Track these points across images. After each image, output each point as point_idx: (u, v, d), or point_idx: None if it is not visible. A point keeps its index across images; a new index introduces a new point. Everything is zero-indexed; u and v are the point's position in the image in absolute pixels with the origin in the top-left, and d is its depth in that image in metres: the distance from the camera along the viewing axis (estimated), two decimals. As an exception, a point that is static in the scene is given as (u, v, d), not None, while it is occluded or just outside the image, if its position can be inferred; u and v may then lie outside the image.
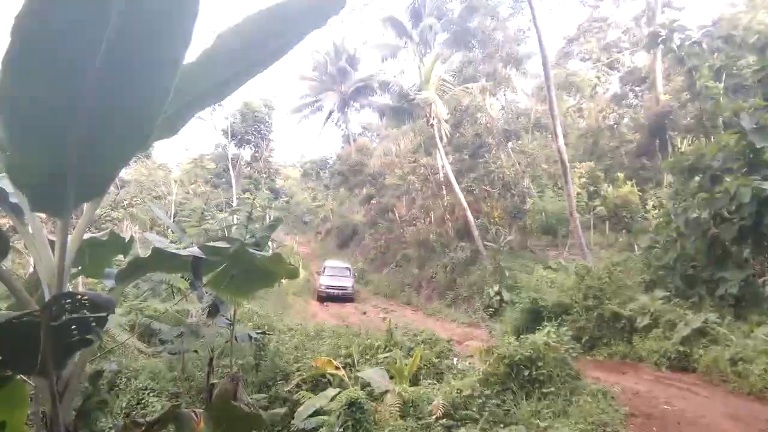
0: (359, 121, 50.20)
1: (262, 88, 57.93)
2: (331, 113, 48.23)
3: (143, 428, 3.00)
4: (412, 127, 30.14)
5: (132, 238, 4.02)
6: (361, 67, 47.38)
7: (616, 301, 11.60)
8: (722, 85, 16.41)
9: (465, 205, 23.33)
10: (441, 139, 25.33)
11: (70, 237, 2.61)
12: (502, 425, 6.72)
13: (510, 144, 26.55)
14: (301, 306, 21.24)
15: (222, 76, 2.74)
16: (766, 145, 11.02)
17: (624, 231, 21.39)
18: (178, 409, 4.17)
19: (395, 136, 30.84)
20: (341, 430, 6.71)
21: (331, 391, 7.81)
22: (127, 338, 9.09)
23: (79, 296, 2.27)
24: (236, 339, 8.12)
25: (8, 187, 2.77)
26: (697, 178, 12.86)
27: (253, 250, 3.36)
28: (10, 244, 2.87)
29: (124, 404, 8.11)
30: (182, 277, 9.24)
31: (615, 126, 28.07)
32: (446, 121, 25.97)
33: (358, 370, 8.70)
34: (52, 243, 2.69)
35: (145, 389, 8.37)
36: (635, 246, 17.40)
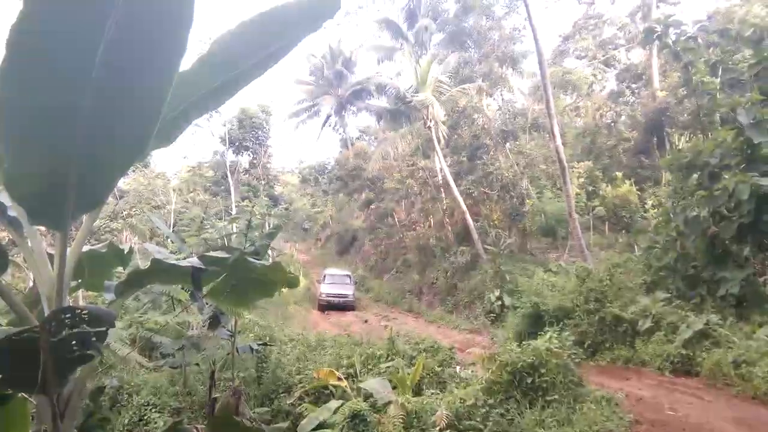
0: (357, 124, 50.43)
1: (258, 94, 58.08)
2: (328, 117, 48.28)
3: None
4: (409, 129, 30.20)
5: (131, 249, 4.01)
6: (358, 70, 47.53)
7: (618, 303, 11.54)
8: (719, 80, 16.36)
9: (464, 208, 23.30)
10: (439, 141, 25.33)
11: (69, 249, 2.60)
12: (506, 435, 6.70)
13: (508, 145, 26.52)
14: (302, 315, 21.19)
15: (218, 82, 2.75)
16: (764, 140, 10.92)
17: (624, 231, 21.35)
18: (180, 426, 4.14)
19: (393, 139, 30.88)
20: (344, 443, 6.69)
21: (333, 403, 7.78)
22: (128, 352, 9.04)
23: (79, 311, 2.25)
24: (237, 351, 8.07)
25: (7, 200, 2.78)
26: (695, 176, 12.79)
27: (252, 260, 3.35)
28: (10, 258, 2.86)
29: (126, 421, 8.08)
30: (182, 288, 9.21)
31: (612, 124, 28.05)
32: (443, 122, 25.97)
33: (361, 381, 8.66)
34: (51, 256, 2.68)
35: (147, 405, 8.34)
36: (635, 246, 17.35)
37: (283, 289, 4.35)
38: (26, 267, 12.49)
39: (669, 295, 11.61)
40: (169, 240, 18.15)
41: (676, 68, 21.79)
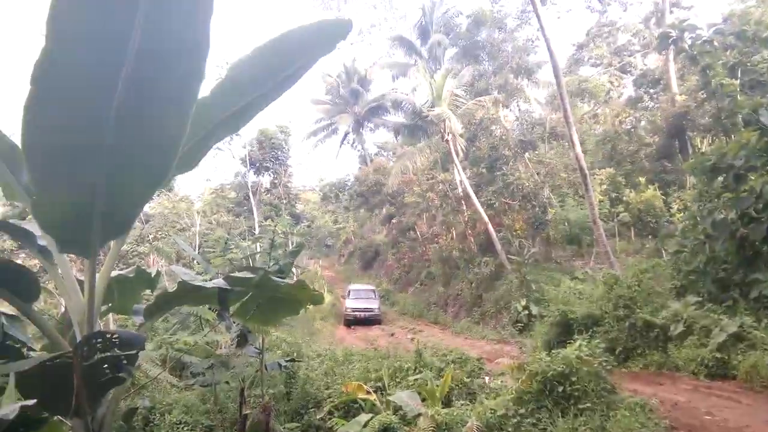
0: (374, 140, 50.70)
1: (277, 115, 58.89)
2: (346, 135, 48.78)
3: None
4: (427, 143, 30.29)
5: (158, 273, 4.10)
6: (373, 87, 48.00)
7: (648, 309, 11.36)
8: (738, 81, 16.15)
9: (486, 219, 23.22)
10: (457, 154, 25.34)
11: (98, 275, 2.68)
12: (539, 444, 6.61)
13: (527, 155, 26.42)
14: (328, 331, 21.23)
15: (236, 107, 2.80)
16: (788, 140, 10.73)
17: (650, 236, 21.00)
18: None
19: (411, 153, 30.99)
20: (376, 457, 6.66)
21: (363, 417, 7.78)
22: (159, 373, 9.16)
23: (110, 335, 2.32)
24: (266, 368, 8.13)
25: (36, 230, 2.86)
26: (720, 178, 12.58)
27: (276, 279, 3.40)
28: (41, 285, 2.95)
29: (159, 440, 8.17)
30: (209, 309, 9.33)
31: (632, 130, 27.74)
32: (461, 135, 26.01)
33: (389, 394, 8.64)
34: (81, 282, 2.75)
35: (180, 423, 8.42)
36: (663, 251, 17.06)
37: (308, 306, 4.40)
38: (57, 293, 12.78)
39: (700, 298, 11.35)
40: (195, 261, 18.42)
41: (694, 72, 21.58)
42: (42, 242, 2.87)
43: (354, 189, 42.35)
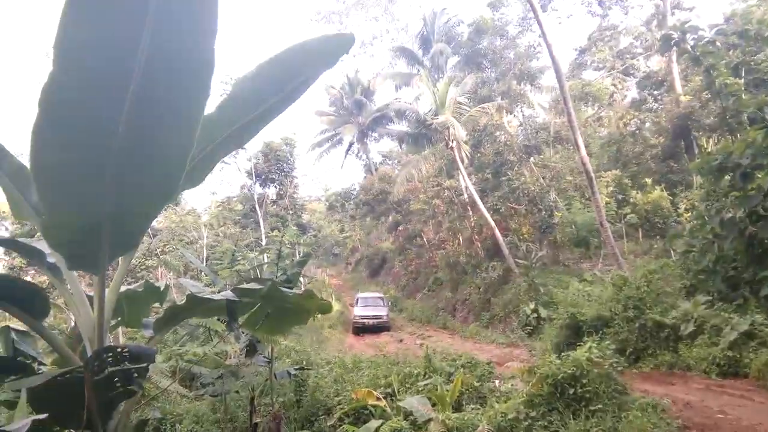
0: (379, 150, 50.80)
1: (281, 127, 59.15)
2: (351, 145, 48.92)
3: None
4: (432, 151, 30.31)
5: (167, 286, 4.14)
6: (377, 97, 48.19)
7: (658, 309, 11.29)
8: (742, 80, 16.11)
9: (492, 224, 23.20)
10: (462, 160, 25.38)
11: (107, 291, 2.71)
12: (551, 446, 6.57)
13: (532, 159, 26.43)
14: (337, 338, 21.21)
15: (241, 122, 2.83)
16: (794, 138, 10.72)
17: (658, 237, 20.90)
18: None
19: (416, 161, 31.03)
20: (387, 462, 6.63)
21: (374, 423, 7.73)
22: (169, 384, 9.19)
23: (120, 349, 2.34)
24: (275, 377, 8.13)
25: (45, 248, 2.88)
26: (727, 177, 12.53)
27: (284, 289, 3.41)
28: (51, 301, 2.97)
29: (170, 451, 8.18)
30: (218, 320, 9.36)
31: (637, 132, 27.70)
32: (465, 142, 26.04)
33: (399, 400, 8.59)
34: (90, 298, 2.77)
35: (190, 433, 8.43)
36: (671, 251, 16.97)
37: (317, 315, 4.41)
38: (67, 308, 12.86)
39: (710, 297, 11.25)
40: (203, 274, 18.51)
41: (698, 72, 21.49)
42: (51, 259, 2.90)
43: (359, 198, 42.41)
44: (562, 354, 8.49)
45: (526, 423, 7.08)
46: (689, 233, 14.36)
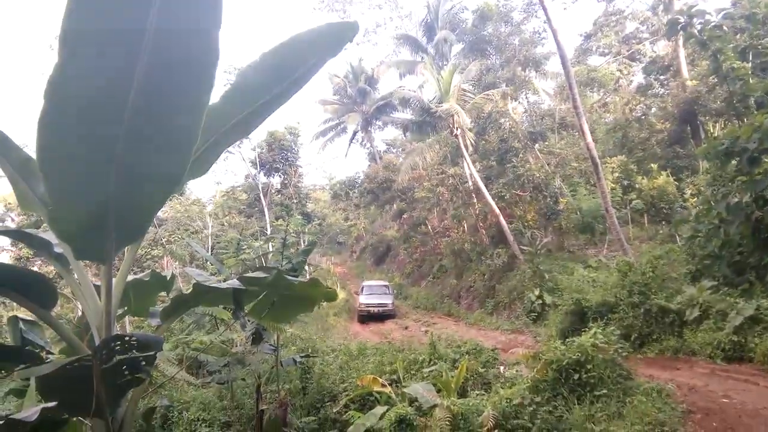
0: (383, 138, 50.84)
1: (285, 117, 59.12)
2: (355, 133, 48.89)
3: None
4: (436, 139, 30.20)
5: (173, 275, 4.16)
6: (381, 85, 48.05)
7: (663, 295, 11.29)
8: (749, 65, 15.93)
9: (497, 211, 23.17)
10: (466, 148, 25.28)
11: (114, 280, 2.73)
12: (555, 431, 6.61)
13: (537, 146, 26.29)
14: (342, 326, 21.32)
15: (245, 112, 2.82)
16: (802, 122, 10.61)
17: (663, 222, 20.84)
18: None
19: (420, 149, 30.94)
20: (393, 448, 6.69)
21: (379, 409, 7.79)
22: (176, 372, 9.28)
23: (128, 338, 2.36)
24: (281, 364, 8.20)
25: (52, 238, 2.90)
26: (734, 162, 12.45)
27: (290, 277, 3.43)
28: (58, 290, 3.00)
29: (178, 436, 8.29)
30: (224, 308, 9.43)
31: (643, 117, 27.48)
32: (470, 129, 25.94)
33: (405, 386, 8.65)
34: (98, 287, 2.80)
35: (198, 420, 8.54)
36: (677, 237, 16.92)
37: (322, 303, 4.43)
38: (74, 298, 12.96)
39: (716, 282, 11.27)
40: (208, 263, 18.59)
41: (704, 57, 21.29)
42: (58, 250, 2.92)
43: (364, 186, 42.38)
44: (567, 340, 8.53)
45: (531, 408, 7.11)
46: (695, 218, 14.40)
